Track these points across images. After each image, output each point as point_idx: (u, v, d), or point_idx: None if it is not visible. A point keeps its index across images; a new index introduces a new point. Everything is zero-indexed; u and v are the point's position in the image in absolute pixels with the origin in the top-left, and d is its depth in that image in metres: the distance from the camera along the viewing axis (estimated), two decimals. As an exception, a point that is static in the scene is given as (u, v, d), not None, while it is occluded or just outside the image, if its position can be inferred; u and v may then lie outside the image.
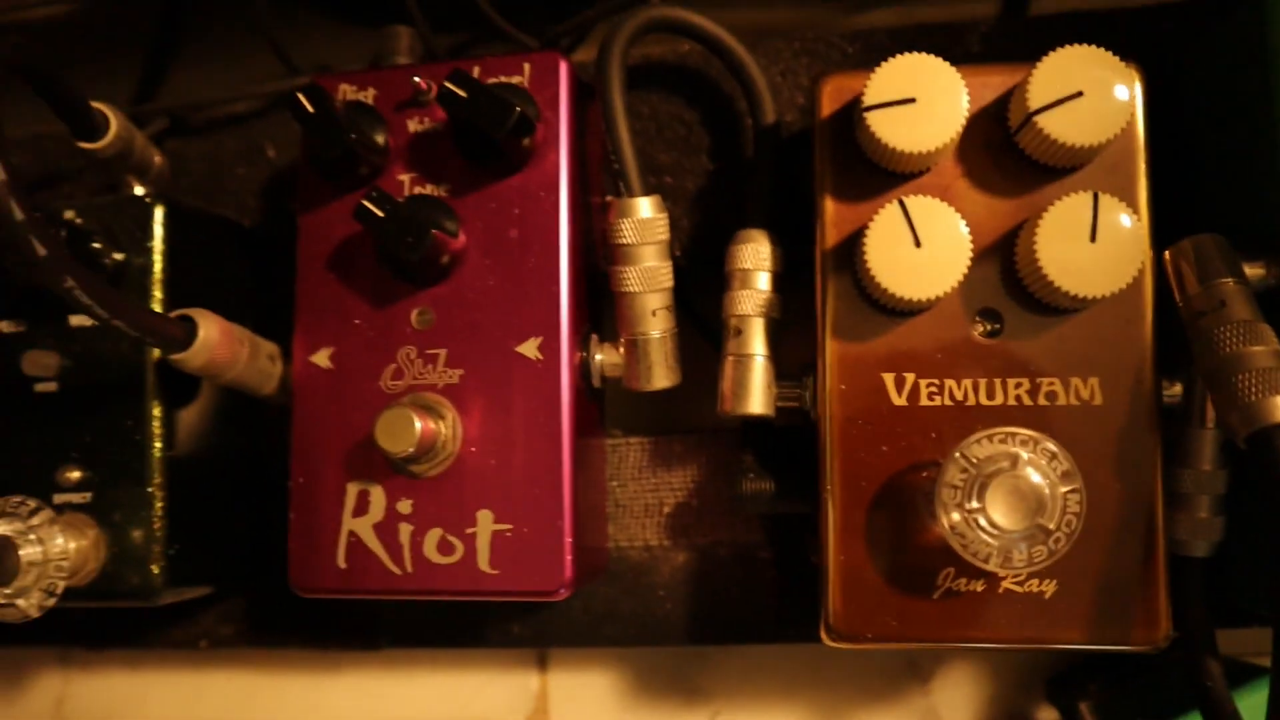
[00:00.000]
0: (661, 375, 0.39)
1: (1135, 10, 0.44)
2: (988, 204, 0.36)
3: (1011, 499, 0.32)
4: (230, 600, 0.46)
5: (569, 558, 0.37)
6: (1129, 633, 0.35)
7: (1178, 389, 0.37)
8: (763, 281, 0.39)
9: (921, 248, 0.34)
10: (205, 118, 0.48)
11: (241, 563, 0.44)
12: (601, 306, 0.42)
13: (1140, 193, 0.36)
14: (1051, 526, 0.32)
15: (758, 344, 0.38)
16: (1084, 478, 0.35)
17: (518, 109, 0.36)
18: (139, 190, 0.43)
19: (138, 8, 0.56)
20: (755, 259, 0.39)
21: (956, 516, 0.33)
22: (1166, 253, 0.36)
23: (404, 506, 0.38)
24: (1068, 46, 0.34)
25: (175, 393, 0.40)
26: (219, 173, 0.48)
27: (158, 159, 0.44)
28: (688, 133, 0.44)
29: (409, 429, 0.36)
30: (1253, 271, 0.35)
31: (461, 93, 0.37)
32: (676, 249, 0.44)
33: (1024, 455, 0.33)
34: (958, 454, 0.33)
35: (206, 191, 0.48)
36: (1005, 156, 0.36)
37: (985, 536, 0.33)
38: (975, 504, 0.32)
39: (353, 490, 0.38)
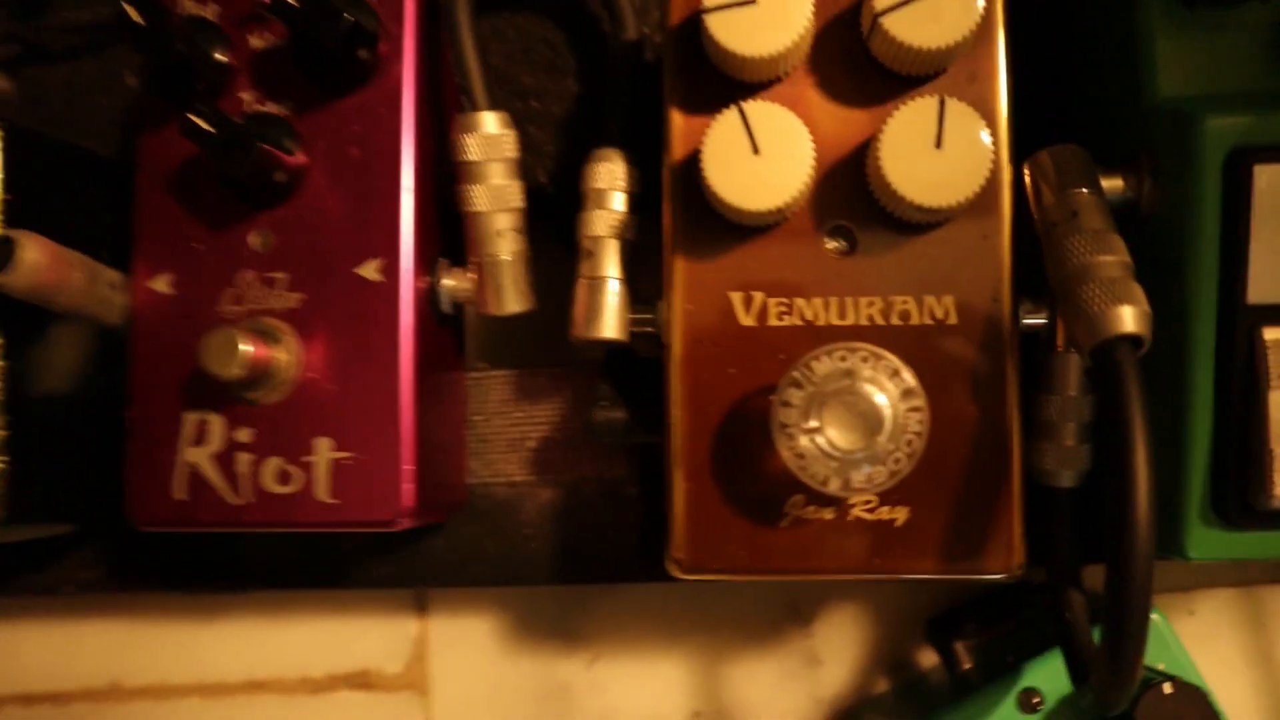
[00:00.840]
0: (513, 299, 0.38)
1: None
2: (841, 114, 0.34)
3: (850, 417, 0.31)
4: (94, 543, 0.44)
5: (407, 485, 0.36)
6: (982, 561, 0.34)
7: (1044, 312, 0.35)
8: (618, 202, 0.37)
9: (760, 155, 0.32)
10: (63, 43, 0.46)
11: (101, 500, 0.43)
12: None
13: (999, 101, 0.34)
14: (891, 446, 0.31)
15: (611, 266, 0.37)
16: (936, 400, 0.33)
17: (349, 18, 0.35)
18: (-16, 116, 0.41)
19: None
20: (609, 178, 0.37)
21: (793, 436, 0.31)
22: (1025, 164, 0.34)
23: (243, 435, 0.37)
24: (918, -55, 0.32)
25: (16, 325, 0.39)
26: (78, 100, 0.46)
27: (3, 84, 0.42)
28: (554, 55, 0.43)
29: (233, 352, 0.34)
30: (1111, 184, 0.34)
31: (293, 2, 0.35)
32: (543, 175, 0.42)
33: (864, 371, 0.31)
34: (794, 371, 0.31)
35: (66, 120, 0.46)
36: (860, 65, 0.35)
37: (822, 457, 0.31)
38: (812, 423, 0.31)
39: (191, 419, 0.37)
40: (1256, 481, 0.31)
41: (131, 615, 0.47)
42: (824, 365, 0.31)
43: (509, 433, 0.42)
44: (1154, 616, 0.38)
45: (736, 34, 0.33)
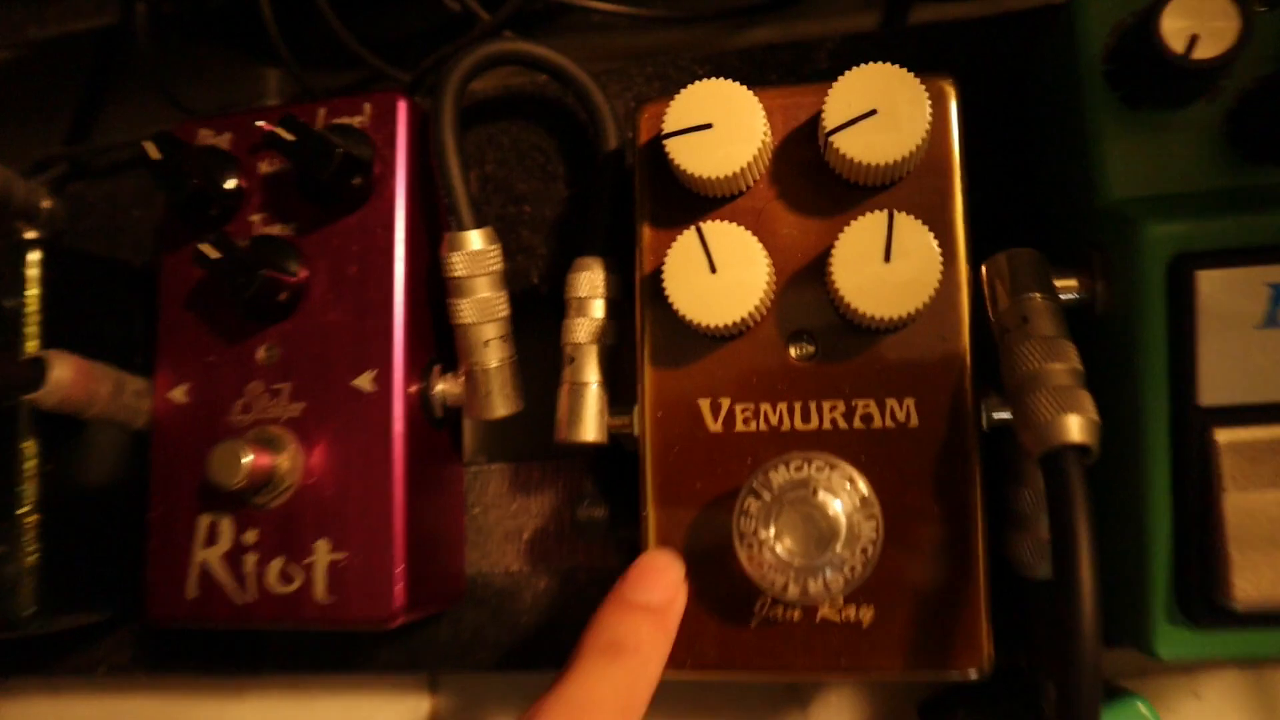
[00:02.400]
0: (500, 404, 0.40)
1: (987, 20, 0.43)
2: (802, 225, 0.36)
3: (806, 526, 0.32)
4: (126, 629, 0.47)
5: (399, 586, 0.38)
6: (949, 659, 0.34)
7: (1010, 408, 0.36)
8: (597, 309, 0.39)
9: (717, 273, 0.34)
10: (108, 162, 0.51)
11: (133, 588, 0.46)
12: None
13: (956, 209, 0.35)
14: (847, 554, 0.32)
15: (590, 372, 0.39)
16: (900, 501, 0.34)
17: (340, 151, 0.37)
18: (30, 234, 0.45)
19: (68, 59, 0.58)
20: (590, 287, 0.39)
21: (751, 545, 0.32)
22: (983, 267, 0.35)
23: (250, 537, 0.39)
24: (865, 65, 0.34)
25: (50, 432, 0.42)
26: (117, 214, 0.50)
27: (46, 203, 0.46)
28: (546, 161, 0.45)
29: (236, 463, 0.37)
30: (1065, 284, 0.34)
31: (289, 137, 0.38)
32: (536, 276, 0.44)
33: (819, 480, 0.32)
34: (753, 481, 0.33)
35: (107, 232, 0.50)
36: (818, 177, 0.36)
37: (780, 565, 0.32)
38: (770, 532, 0.32)
39: (204, 521, 0.40)
40: (1217, 583, 0.31)
41: (162, 694, 0.50)
42: (780, 475, 0.32)
43: (506, 524, 0.44)
44: (1141, 706, 0.38)
45: (695, 157, 0.34)
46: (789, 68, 0.39)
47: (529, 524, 0.44)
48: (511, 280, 0.45)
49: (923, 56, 0.44)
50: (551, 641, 0.44)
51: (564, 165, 0.45)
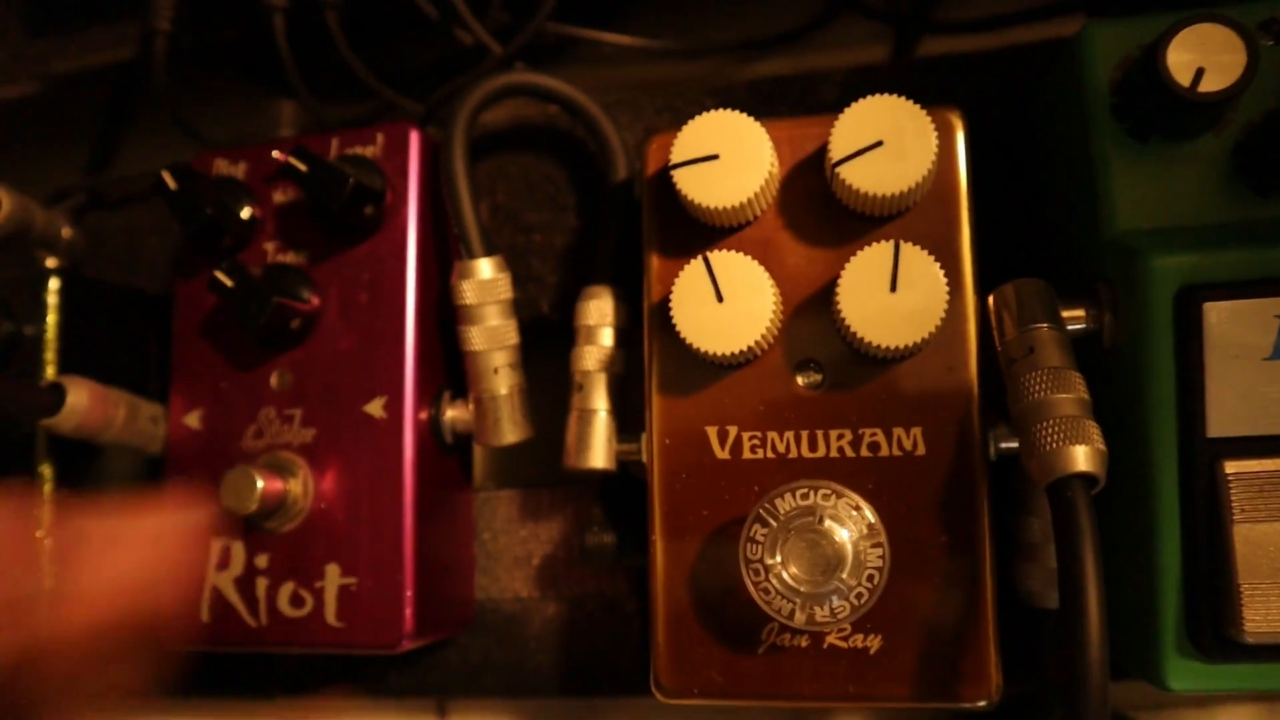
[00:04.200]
0: (510, 431, 0.40)
1: (994, 53, 0.44)
2: (809, 255, 0.36)
3: (812, 554, 0.32)
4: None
5: (409, 611, 0.38)
6: (958, 689, 0.34)
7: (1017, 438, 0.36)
8: (606, 338, 0.40)
9: (724, 302, 0.34)
10: (125, 191, 0.51)
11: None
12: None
13: (963, 239, 0.36)
14: (853, 581, 0.32)
15: (599, 399, 0.39)
16: (907, 529, 0.34)
17: (352, 181, 0.38)
18: (50, 263, 0.46)
19: (88, 92, 0.60)
20: (599, 315, 0.40)
21: (758, 572, 0.32)
22: (990, 297, 0.35)
23: (261, 561, 0.39)
24: (871, 97, 0.34)
25: (71, 451, 0.43)
26: (134, 243, 0.51)
27: (66, 232, 0.47)
28: (556, 191, 0.46)
29: (250, 489, 0.37)
30: (1073, 314, 0.35)
31: (301, 166, 0.38)
32: (545, 305, 0.45)
33: (825, 508, 0.32)
34: (759, 508, 0.33)
35: (124, 261, 0.51)
36: (825, 207, 0.36)
37: (787, 592, 0.32)
38: (777, 559, 0.32)
39: (217, 545, 0.40)
40: (1227, 615, 0.31)
41: (173, 718, 0.50)
42: (787, 503, 0.32)
43: (515, 550, 0.44)
44: (1151, 741, 0.38)
45: (702, 187, 0.35)
46: (797, 100, 0.39)
47: (538, 550, 0.44)
48: (521, 309, 0.45)
49: (930, 89, 0.44)
50: (559, 668, 0.44)
51: (574, 195, 0.45)
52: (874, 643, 0.34)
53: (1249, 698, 0.42)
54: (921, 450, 0.35)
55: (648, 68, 0.52)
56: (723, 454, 0.36)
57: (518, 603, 0.44)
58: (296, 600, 0.39)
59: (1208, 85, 0.32)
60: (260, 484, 0.37)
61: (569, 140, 0.46)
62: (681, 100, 0.45)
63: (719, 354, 0.34)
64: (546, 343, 0.44)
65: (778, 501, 0.33)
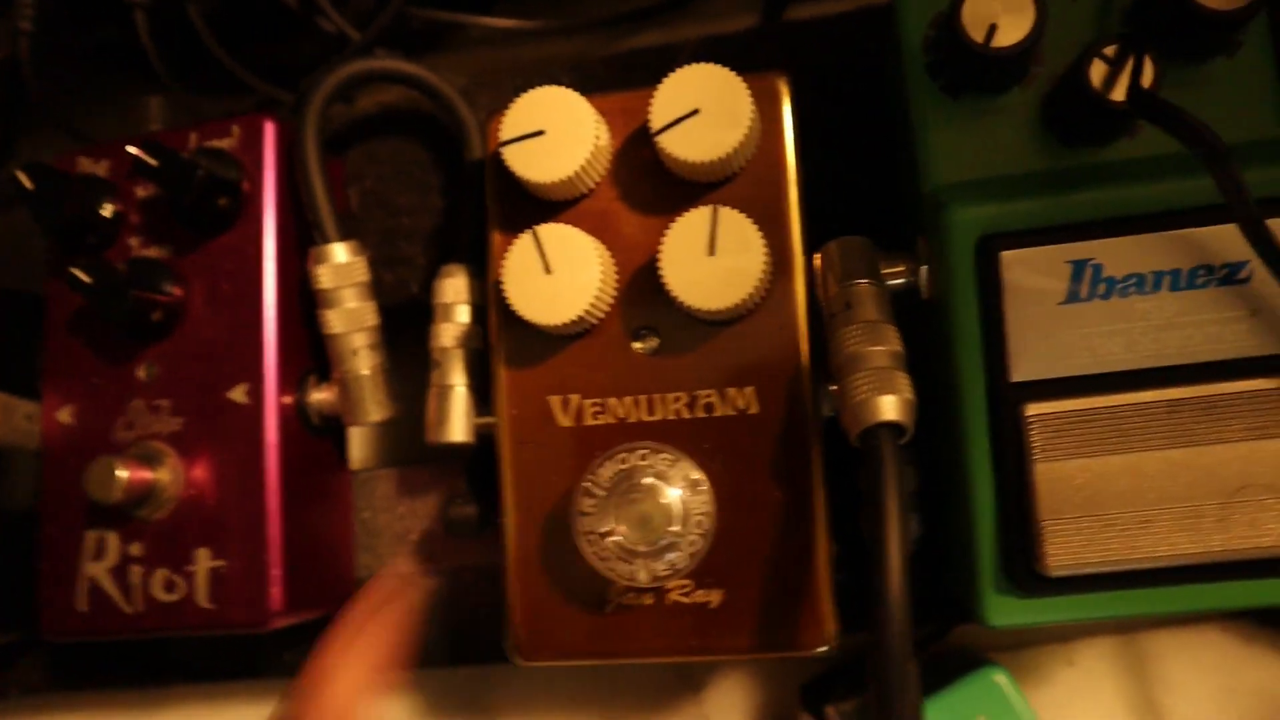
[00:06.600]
0: (374, 410, 0.41)
1: (849, 16, 0.44)
2: (643, 224, 0.37)
3: (639, 514, 0.33)
4: (38, 650, 0.49)
5: (276, 590, 0.39)
6: (796, 638, 0.35)
7: (842, 391, 0.37)
8: (462, 314, 0.40)
9: (553, 274, 0.35)
10: (5, 194, 0.52)
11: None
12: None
13: (790, 202, 0.36)
14: (684, 531, 0.33)
15: (457, 375, 0.40)
16: (743, 486, 0.36)
17: (201, 173, 0.39)
18: (-71, 269, 0.47)
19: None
20: (454, 293, 0.41)
21: (593, 542, 0.34)
22: (816, 256, 0.36)
23: (135, 549, 0.40)
24: (689, 66, 0.35)
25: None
26: (20, 244, 0.51)
27: (-57, 238, 0.47)
28: (424, 174, 0.46)
29: (110, 479, 0.38)
30: (893, 270, 0.36)
31: (152, 161, 0.39)
32: (415, 286, 0.46)
33: (645, 468, 0.33)
34: (584, 481, 0.34)
35: (10, 262, 0.51)
36: (656, 177, 0.37)
37: (624, 555, 0.33)
38: (608, 525, 0.33)
39: (91, 537, 0.41)
40: (1034, 551, 0.32)
41: (77, 713, 0.51)
42: (608, 469, 0.33)
43: (395, 526, 0.45)
44: (998, 677, 0.39)
45: (530, 163, 0.36)
46: (656, 72, 0.40)
47: (416, 526, 0.45)
48: (393, 291, 0.46)
49: (786, 54, 0.45)
50: (444, 640, 0.45)
51: (439, 177, 0.46)
52: (715, 597, 0.36)
53: (1109, 628, 0.43)
54: (755, 409, 0.36)
55: (523, 49, 0.53)
56: (566, 422, 0.37)
57: (399, 577, 0.45)
58: (169, 585, 0.40)
59: (1000, 40, 0.32)
60: (123, 474, 0.38)
61: (434, 124, 0.47)
62: (542, 79, 0.45)
63: (550, 324, 0.35)
64: (419, 323, 0.45)
65: (600, 471, 0.34)
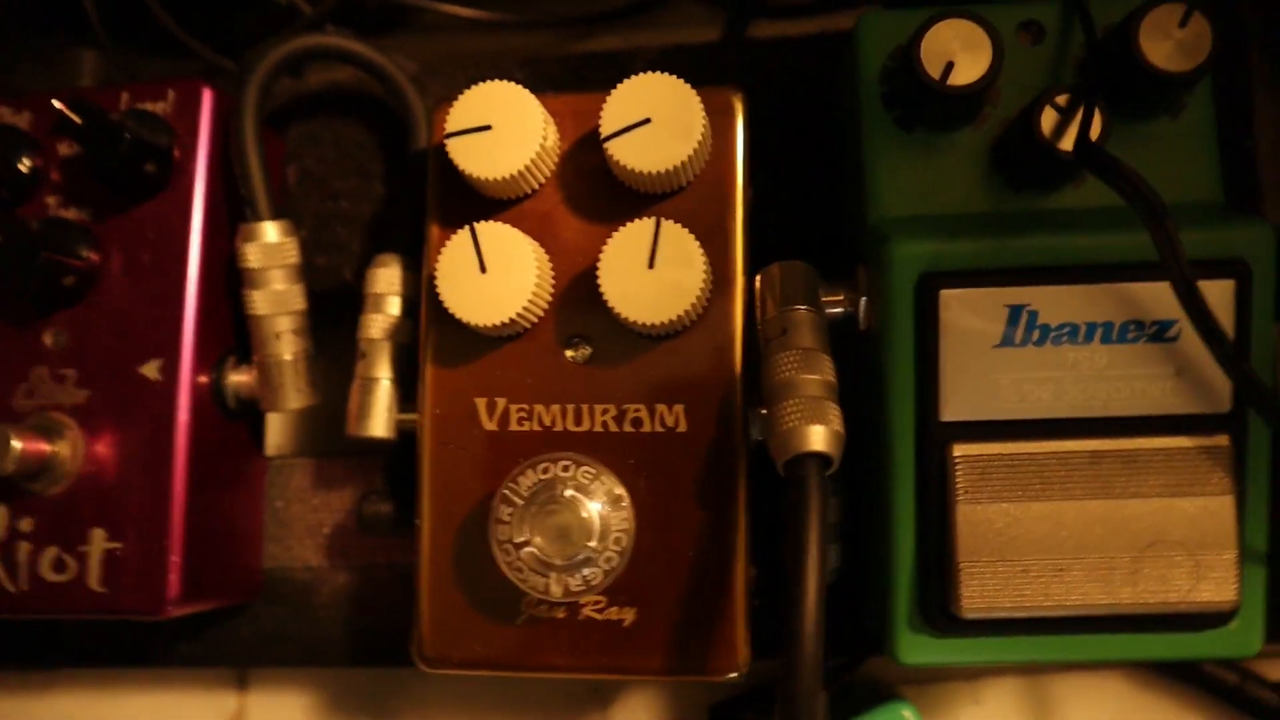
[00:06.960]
0: (293, 397, 0.40)
1: (812, 38, 0.44)
2: (585, 229, 0.36)
3: (557, 527, 0.32)
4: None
5: (173, 577, 0.37)
6: (707, 663, 0.35)
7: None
8: (393, 306, 0.39)
9: (488, 274, 0.34)
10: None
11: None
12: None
13: (735, 220, 0.36)
14: (601, 547, 0.32)
15: (382, 368, 0.39)
16: (665, 505, 0.35)
17: (128, 136, 0.37)
18: None
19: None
20: (387, 284, 0.39)
21: (508, 551, 0.33)
22: (758, 276, 0.36)
23: (25, 525, 0.38)
24: (644, 75, 0.35)
25: None
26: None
27: None
28: (366, 158, 0.45)
29: (6, 448, 0.36)
30: (832, 298, 0.35)
31: (76, 119, 0.37)
32: (349, 273, 0.44)
33: (566, 480, 0.33)
34: (504, 489, 0.33)
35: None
36: (603, 183, 0.36)
37: (539, 567, 0.33)
38: (524, 536, 0.32)
39: (-21, 509, 0.39)
40: (949, 592, 0.32)
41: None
42: (529, 479, 0.33)
43: (308, 518, 0.44)
44: (905, 712, 0.39)
45: (473, 158, 0.35)
46: (611, 76, 0.39)
47: (329, 519, 0.44)
48: (324, 276, 0.45)
49: (744, 71, 0.45)
50: (348, 638, 0.43)
51: (382, 163, 0.45)
52: (628, 615, 0.35)
53: (1015, 669, 0.44)
54: (683, 427, 0.35)
55: (479, 40, 0.52)
56: (490, 425, 0.36)
57: (308, 571, 0.44)
58: (59, 565, 0.38)
59: (956, 79, 0.32)
60: (17, 445, 0.36)
61: (383, 108, 0.45)
62: (495, 72, 0.44)
63: (481, 325, 0.34)
64: (350, 311, 0.43)
65: (520, 479, 0.33)
